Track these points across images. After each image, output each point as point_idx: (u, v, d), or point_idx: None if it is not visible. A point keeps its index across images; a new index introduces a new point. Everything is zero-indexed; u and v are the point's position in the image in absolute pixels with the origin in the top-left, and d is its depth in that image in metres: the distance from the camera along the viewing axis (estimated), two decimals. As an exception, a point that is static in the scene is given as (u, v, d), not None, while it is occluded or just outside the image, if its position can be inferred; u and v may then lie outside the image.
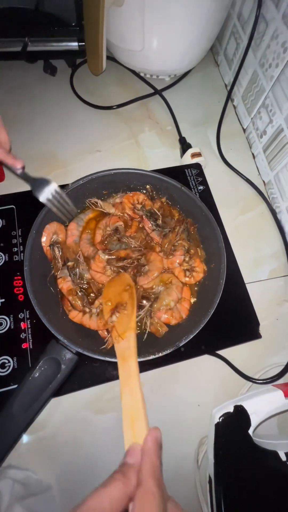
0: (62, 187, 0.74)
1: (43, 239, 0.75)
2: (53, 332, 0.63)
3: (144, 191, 0.85)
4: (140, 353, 0.56)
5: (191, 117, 1.14)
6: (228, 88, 1.17)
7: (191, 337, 0.66)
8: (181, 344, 0.65)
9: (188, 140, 1.05)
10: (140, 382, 0.46)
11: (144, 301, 0.73)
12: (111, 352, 0.63)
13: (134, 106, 1.15)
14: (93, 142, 1.08)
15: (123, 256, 0.76)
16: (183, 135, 1.07)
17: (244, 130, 1.13)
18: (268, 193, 1.03)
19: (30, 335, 0.74)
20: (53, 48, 0.99)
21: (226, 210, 0.96)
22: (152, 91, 1.15)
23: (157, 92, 1.15)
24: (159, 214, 0.80)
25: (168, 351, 0.64)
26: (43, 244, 0.75)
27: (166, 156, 1.07)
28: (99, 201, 0.80)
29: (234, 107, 1.16)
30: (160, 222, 0.80)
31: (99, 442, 0.73)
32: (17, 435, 0.59)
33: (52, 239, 0.76)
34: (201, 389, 0.79)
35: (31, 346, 0.73)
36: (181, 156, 1.04)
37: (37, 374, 0.61)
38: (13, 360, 0.71)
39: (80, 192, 0.81)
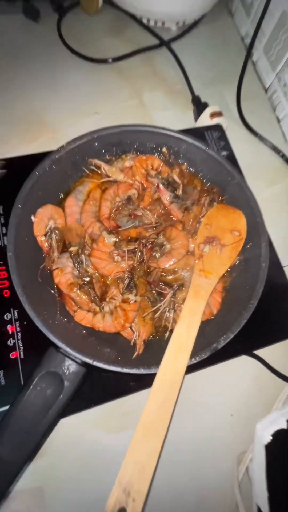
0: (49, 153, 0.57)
1: (37, 227, 0.57)
2: (51, 337, 0.47)
3: (160, 156, 0.68)
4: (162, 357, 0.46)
5: (204, 74, 0.96)
6: (246, 40, 1.00)
7: (232, 336, 0.51)
8: (220, 346, 0.50)
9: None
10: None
11: (164, 289, 0.57)
12: (137, 361, 0.48)
13: (136, 60, 0.96)
14: (88, 102, 0.89)
15: (135, 236, 0.59)
16: (196, 94, 0.90)
17: (266, 90, 0.96)
18: (298, 162, 0.88)
19: (20, 341, 0.57)
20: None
21: (250, 183, 0.79)
22: (156, 42, 0.97)
23: (164, 43, 0.96)
24: (179, 182, 0.63)
25: (204, 356, 0.49)
26: (37, 234, 0.57)
27: (177, 119, 0.90)
28: (104, 164, 0.62)
29: (253, 63, 0.99)
30: (180, 192, 0.63)
31: (114, 468, 0.58)
32: (7, 484, 0.42)
33: (48, 226, 0.58)
34: (233, 395, 0.66)
35: (22, 356, 0.56)
36: (196, 119, 0.87)
37: (32, 395, 0.44)
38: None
39: (77, 156, 0.63)
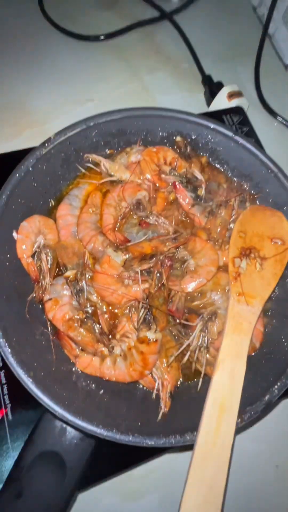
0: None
1: (21, 246, 0.43)
2: (46, 402, 0.34)
3: (174, 147, 0.54)
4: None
5: (214, 50, 0.82)
6: (260, 9, 0.86)
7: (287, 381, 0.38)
8: (275, 398, 0.37)
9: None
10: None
11: (191, 319, 0.44)
12: (165, 427, 0.35)
13: (133, 36, 0.81)
14: (80, 87, 0.75)
15: (149, 252, 0.46)
16: (207, 73, 0.76)
17: (286, 67, 0.82)
18: None
19: (7, 396, 0.44)
20: None
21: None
22: (157, 14, 0.82)
23: (165, 15, 0.82)
24: (201, 179, 0.50)
25: (255, 415, 0.36)
26: (21, 256, 0.44)
27: (186, 103, 0.76)
28: (104, 160, 0.49)
29: (270, 36, 0.85)
30: (203, 192, 0.50)
31: None
32: None
33: (36, 245, 0.44)
34: (277, 442, 0.53)
35: (10, 416, 0.43)
36: (208, 102, 0.73)
37: (24, 492, 0.31)
38: (-22, 444, 0.41)
39: (69, 152, 0.49)
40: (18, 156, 0.47)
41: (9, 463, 0.40)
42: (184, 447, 0.36)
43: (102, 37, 0.80)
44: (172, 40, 0.82)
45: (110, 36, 0.80)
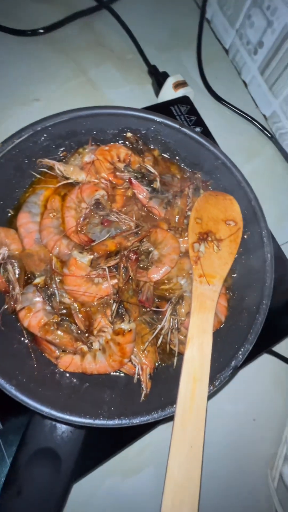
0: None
1: None
2: (33, 405, 0.35)
3: (125, 143, 0.55)
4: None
5: (156, 38, 0.83)
6: (196, -7, 0.87)
7: (250, 348, 0.43)
8: (240, 363, 0.42)
9: (158, 71, 0.75)
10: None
11: (161, 305, 0.48)
12: (148, 405, 0.38)
13: (73, 28, 0.79)
14: (24, 87, 0.73)
15: (114, 248, 0.48)
16: (152, 63, 0.76)
17: (227, 51, 0.85)
18: (274, 128, 0.80)
19: (-7, 407, 0.45)
20: None
21: (229, 159, 0.72)
22: (94, 3, 0.80)
23: (103, 4, 0.80)
24: (155, 172, 0.52)
25: (224, 380, 0.41)
26: None
27: (136, 96, 0.77)
28: (57, 164, 0.49)
29: (208, 21, 0.87)
30: (158, 184, 0.52)
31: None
32: None
33: (1, 256, 0.45)
34: (252, 398, 0.60)
35: (0, 425, 0.44)
36: (157, 92, 0.74)
37: (23, 490, 0.33)
38: (-28, 457, 0.42)
39: (19, 159, 0.49)
40: None
41: (5, 470, 0.42)
42: (167, 419, 0.40)
43: (41, 31, 0.77)
44: (113, 30, 0.81)
45: (49, 29, 0.77)
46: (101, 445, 0.45)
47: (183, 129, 0.53)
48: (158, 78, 0.74)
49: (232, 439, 0.57)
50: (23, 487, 0.34)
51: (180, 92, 0.69)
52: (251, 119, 0.79)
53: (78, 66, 0.77)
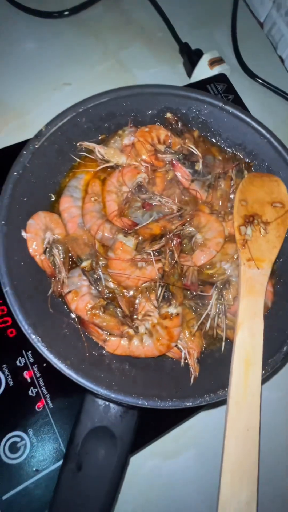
0: (22, 144, 0.42)
1: (31, 245, 0.44)
2: (89, 386, 0.36)
3: (164, 124, 0.54)
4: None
5: (187, 14, 0.79)
6: None
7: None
8: (293, 349, 0.41)
9: (191, 49, 0.72)
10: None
11: (206, 290, 0.47)
12: (198, 388, 0.38)
13: (99, 8, 0.77)
14: (53, 71, 0.71)
15: (159, 232, 0.47)
16: (183, 41, 0.73)
17: (262, 25, 0.80)
18: (313, 107, 0.75)
19: (44, 388, 0.46)
20: None
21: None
22: (122, -20, 0.77)
23: (131, -20, 0.77)
24: (197, 153, 0.50)
25: (277, 364, 0.40)
26: (34, 254, 0.44)
27: (167, 76, 0.74)
28: (97, 146, 0.48)
29: (241, -7, 0.82)
30: (200, 166, 0.51)
31: (181, 497, 0.51)
32: None
33: (46, 241, 0.45)
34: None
35: (50, 405, 0.45)
36: (189, 72, 0.71)
37: (81, 468, 0.34)
38: (28, 434, 0.43)
39: (61, 142, 0.48)
40: (8, 153, 0.46)
41: (58, 447, 0.43)
42: (217, 403, 0.40)
43: (66, 13, 0.75)
44: (142, 7, 0.78)
45: (75, 10, 0.75)
46: (150, 426, 0.46)
47: (226, 106, 0.50)
48: (191, 56, 0.71)
49: (273, 426, 0.56)
50: (83, 463, 0.34)
51: (216, 70, 0.66)
52: (287, 96, 0.75)
53: (107, 47, 0.75)
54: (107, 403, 0.38)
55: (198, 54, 0.70)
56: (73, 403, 0.44)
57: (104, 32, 0.76)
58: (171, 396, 0.38)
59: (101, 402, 0.38)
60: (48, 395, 0.46)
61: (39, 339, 0.37)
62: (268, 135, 0.50)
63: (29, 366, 0.46)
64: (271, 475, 0.52)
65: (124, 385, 0.38)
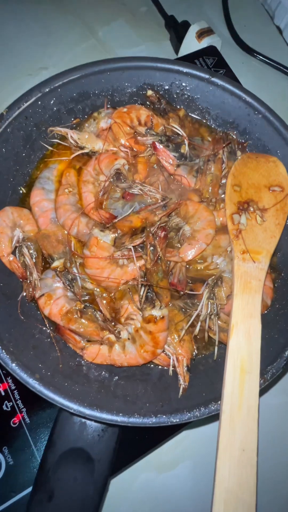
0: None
1: None
2: (61, 402, 0.31)
3: (145, 104, 0.48)
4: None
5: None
6: None
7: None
8: (296, 353, 0.35)
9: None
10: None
11: (196, 288, 0.41)
12: (187, 400, 0.33)
13: (78, -17, 0.70)
14: (29, 55, 0.66)
15: (139, 225, 0.42)
16: (169, 14, 0.67)
17: (257, -7, 0.73)
18: (316, 80, 0.68)
19: (19, 401, 0.42)
20: None
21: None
22: None
23: None
24: (183, 133, 0.44)
25: (277, 372, 0.35)
26: (1, 255, 0.40)
27: (153, 54, 0.66)
28: (70, 132, 0.43)
29: None
30: (186, 149, 0.45)
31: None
32: None
33: (15, 239, 0.40)
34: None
35: (27, 419, 0.41)
36: (177, 48, 0.65)
37: (55, 494, 0.30)
38: (2, 453, 0.39)
39: (28, 128, 0.43)
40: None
41: (37, 466, 0.39)
42: (210, 418, 0.35)
43: (42, -10, 0.69)
44: (123, -21, 0.71)
45: (51, -14, 0.69)
46: (135, 442, 0.41)
47: (214, 78, 0.44)
48: (178, 30, 0.64)
49: (278, 435, 0.51)
50: (54, 491, 0.30)
51: (205, 42, 0.59)
52: (286, 71, 0.68)
53: (86, 26, 0.69)
54: (83, 420, 0.33)
55: (185, 26, 0.63)
56: (53, 418, 0.40)
57: (83, 10, 0.70)
58: (156, 412, 0.33)
59: (76, 419, 0.34)
60: (24, 410, 0.42)
61: (3, 350, 0.33)
62: (263, 110, 0.44)
63: (3, 378, 0.42)
64: (275, 503, 0.47)
65: (102, 400, 0.34)
